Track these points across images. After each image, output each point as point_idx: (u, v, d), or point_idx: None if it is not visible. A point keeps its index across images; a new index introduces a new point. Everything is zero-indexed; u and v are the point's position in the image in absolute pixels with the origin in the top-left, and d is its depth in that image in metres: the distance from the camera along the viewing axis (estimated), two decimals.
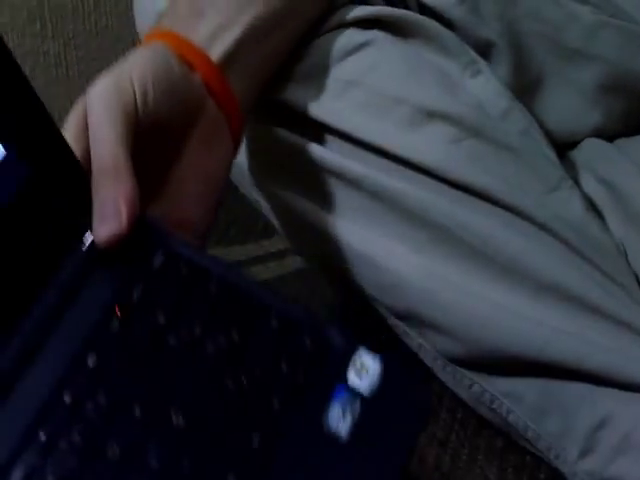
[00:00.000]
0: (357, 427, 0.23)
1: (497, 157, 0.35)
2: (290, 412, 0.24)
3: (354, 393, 0.24)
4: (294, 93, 0.36)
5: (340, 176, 0.37)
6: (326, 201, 0.37)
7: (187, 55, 0.31)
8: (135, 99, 0.29)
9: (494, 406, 0.36)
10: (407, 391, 0.26)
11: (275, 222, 0.43)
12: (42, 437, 0.22)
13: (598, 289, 0.34)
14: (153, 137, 0.30)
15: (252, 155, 0.40)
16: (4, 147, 0.27)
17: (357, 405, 0.24)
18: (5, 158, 0.27)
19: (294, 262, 0.44)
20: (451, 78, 0.37)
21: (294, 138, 0.37)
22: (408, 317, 0.37)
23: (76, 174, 0.30)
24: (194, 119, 0.31)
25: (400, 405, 0.25)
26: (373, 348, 0.25)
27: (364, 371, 0.24)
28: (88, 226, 0.29)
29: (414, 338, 0.37)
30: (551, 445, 0.35)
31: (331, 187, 0.37)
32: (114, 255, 0.28)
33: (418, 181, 0.35)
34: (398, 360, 0.26)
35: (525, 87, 0.40)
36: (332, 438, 0.23)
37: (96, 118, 0.28)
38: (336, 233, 0.37)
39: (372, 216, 0.36)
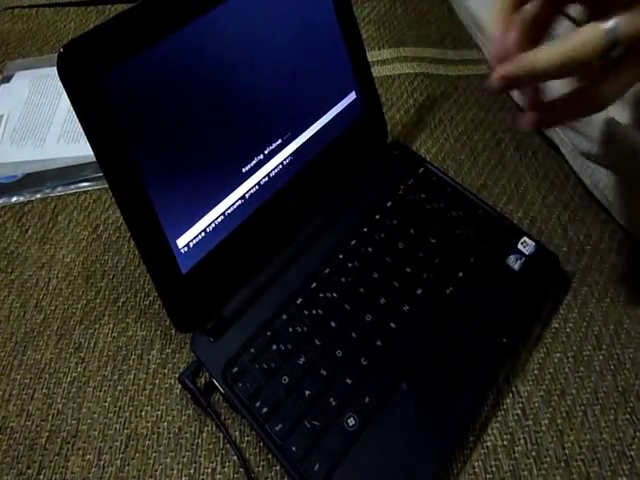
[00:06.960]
0: (522, 267, 0.43)
1: None
2: (488, 258, 0.43)
3: (521, 253, 0.44)
4: None
5: None
6: None
7: None
8: None
9: (605, 192, 0.46)
10: (546, 253, 0.45)
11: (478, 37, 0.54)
12: (326, 271, 0.42)
13: None
14: None
15: None
16: (355, 92, 0.47)
17: (522, 258, 0.43)
18: (354, 100, 0.47)
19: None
20: None
21: None
22: None
23: (378, 110, 0.49)
24: None
25: (542, 261, 0.44)
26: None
27: (526, 245, 0.44)
28: (380, 144, 0.48)
29: (559, 134, 0.48)
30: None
31: None
32: (398, 162, 0.48)
33: None
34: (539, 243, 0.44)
35: None
36: (510, 269, 0.43)
37: None
38: None
39: None
